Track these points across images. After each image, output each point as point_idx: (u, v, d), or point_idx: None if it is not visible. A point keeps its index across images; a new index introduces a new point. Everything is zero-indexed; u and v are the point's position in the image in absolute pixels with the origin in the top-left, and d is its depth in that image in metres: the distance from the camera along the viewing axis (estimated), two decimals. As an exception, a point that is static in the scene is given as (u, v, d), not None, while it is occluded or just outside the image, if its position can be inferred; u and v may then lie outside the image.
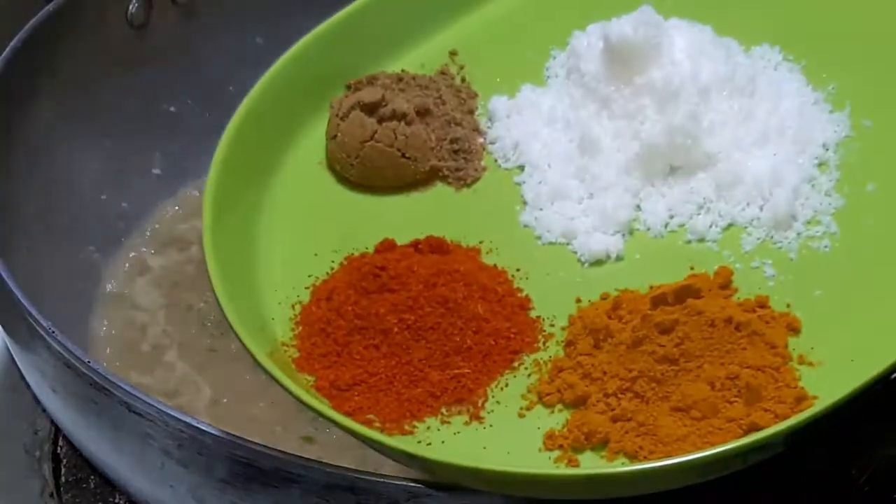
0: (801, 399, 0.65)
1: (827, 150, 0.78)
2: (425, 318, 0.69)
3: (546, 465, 0.65)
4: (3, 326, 0.84)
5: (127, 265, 0.98)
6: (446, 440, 0.67)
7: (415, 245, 0.74)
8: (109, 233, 0.98)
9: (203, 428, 0.69)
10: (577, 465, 0.65)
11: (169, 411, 0.70)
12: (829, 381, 0.66)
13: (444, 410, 0.68)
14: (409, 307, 0.70)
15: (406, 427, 0.67)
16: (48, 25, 0.90)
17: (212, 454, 0.69)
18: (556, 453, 0.66)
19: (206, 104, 1.00)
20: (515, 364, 0.70)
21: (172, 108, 1.02)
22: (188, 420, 0.69)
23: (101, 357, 0.91)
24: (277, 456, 0.68)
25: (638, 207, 0.76)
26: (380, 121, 0.79)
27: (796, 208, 0.74)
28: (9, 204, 0.87)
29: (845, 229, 0.74)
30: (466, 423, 0.67)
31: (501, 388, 0.69)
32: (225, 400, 0.88)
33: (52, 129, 0.92)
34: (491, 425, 0.67)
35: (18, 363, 0.85)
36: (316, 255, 0.76)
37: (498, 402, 0.68)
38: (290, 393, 0.66)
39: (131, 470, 0.78)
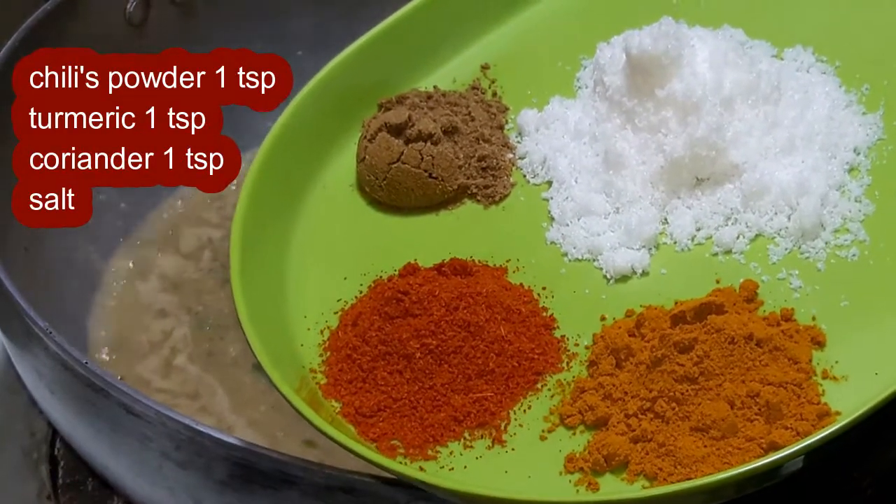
0: (823, 415, 0.65)
1: (858, 154, 0.77)
2: (447, 343, 0.70)
3: (567, 488, 0.65)
4: (1, 327, 0.84)
5: (126, 266, 0.97)
6: (469, 465, 0.67)
7: (438, 268, 0.74)
8: (108, 233, 0.98)
9: (201, 429, 0.70)
10: (596, 488, 0.65)
11: (167, 412, 0.70)
12: (852, 395, 0.65)
13: (466, 434, 0.68)
14: (431, 332, 0.70)
15: (429, 452, 0.68)
16: (46, 24, 0.91)
17: (210, 456, 0.70)
18: (577, 476, 0.66)
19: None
20: (539, 385, 0.70)
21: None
22: (186, 421, 0.70)
23: (99, 358, 0.91)
24: (276, 457, 0.68)
25: (665, 221, 0.76)
26: (406, 142, 0.79)
27: (824, 217, 0.73)
28: (7, 203, 0.88)
29: (875, 236, 0.73)
30: (489, 448, 0.68)
31: (524, 411, 0.69)
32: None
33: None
34: (513, 448, 0.68)
35: (16, 364, 0.86)
36: (346, 279, 0.76)
37: (520, 425, 0.68)
38: (317, 429, 0.67)
39: (129, 471, 0.78)
